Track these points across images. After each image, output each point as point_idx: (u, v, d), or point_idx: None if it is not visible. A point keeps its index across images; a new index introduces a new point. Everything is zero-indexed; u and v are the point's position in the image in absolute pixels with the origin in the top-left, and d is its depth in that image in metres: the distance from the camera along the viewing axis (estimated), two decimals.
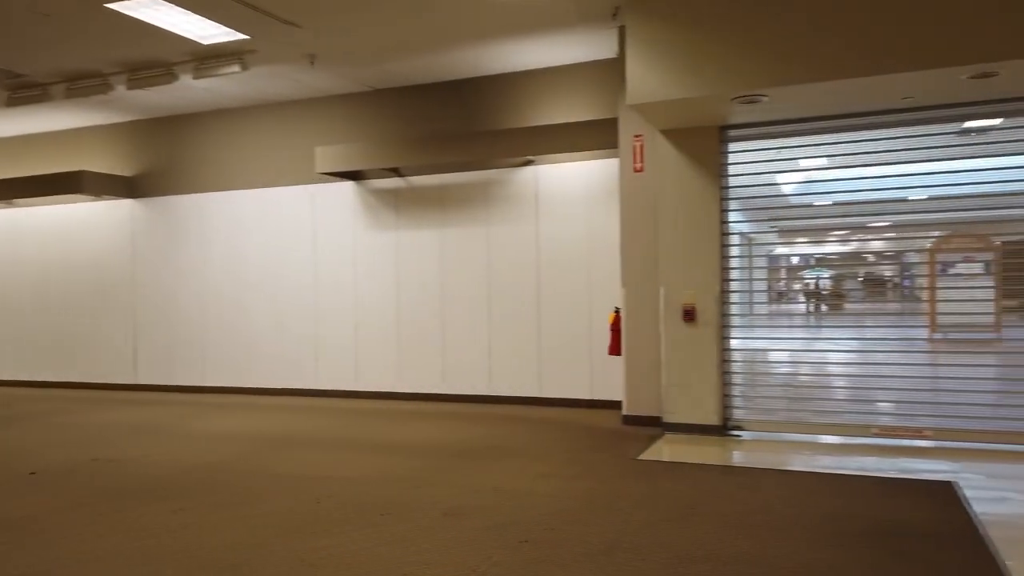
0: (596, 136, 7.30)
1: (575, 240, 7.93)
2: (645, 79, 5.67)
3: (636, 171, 6.83)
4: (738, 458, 5.91)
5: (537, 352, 8.12)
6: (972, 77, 5.03)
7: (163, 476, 5.37)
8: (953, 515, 4.17)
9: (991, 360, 9.69)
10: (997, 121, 6.06)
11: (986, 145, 6.13)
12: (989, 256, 12.42)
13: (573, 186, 7.94)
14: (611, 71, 7.29)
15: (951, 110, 5.84)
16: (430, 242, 8.64)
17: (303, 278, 9.26)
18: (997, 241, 12.03)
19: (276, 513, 4.40)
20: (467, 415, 7.67)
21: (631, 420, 6.92)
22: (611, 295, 7.35)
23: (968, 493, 4.57)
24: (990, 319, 11.47)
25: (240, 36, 6.88)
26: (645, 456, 5.77)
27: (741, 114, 6.02)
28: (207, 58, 7.52)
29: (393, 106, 8.77)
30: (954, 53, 4.88)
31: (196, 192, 9.83)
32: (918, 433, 6.02)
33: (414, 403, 8.49)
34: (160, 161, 10.05)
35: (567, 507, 4.42)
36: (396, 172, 8.72)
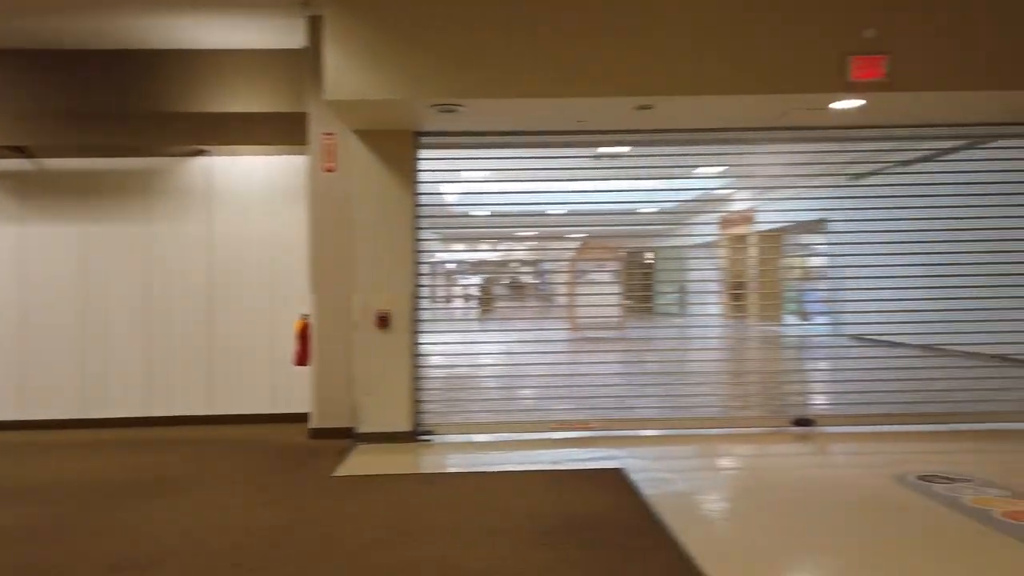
0: (281, 130, 6.78)
1: (256, 241, 7.27)
2: (345, 76, 5.39)
3: (327, 171, 6.49)
4: (433, 465, 5.93)
5: (208, 365, 7.27)
6: (637, 108, 5.71)
7: None
8: (630, 500, 4.63)
9: (620, 356, 11.19)
10: (626, 149, 6.99)
11: (626, 169, 7.11)
12: (616, 265, 14.46)
13: (255, 182, 7.27)
14: (300, 62, 6.80)
15: (621, 135, 6.56)
16: (69, 239, 7.23)
17: None
18: (622, 252, 14.06)
19: None
20: (123, 441, 6.56)
21: (320, 433, 6.54)
22: (298, 301, 6.87)
23: (635, 477, 5.13)
24: (617, 320, 13.31)
25: None
26: (341, 472, 5.48)
27: (436, 121, 6.05)
28: None
29: (23, 71, 7.12)
30: (616, 86, 5.45)
31: None
32: (586, 425, 6.66)
33: (49, 432, 7.01)
34: None
35: (267, 542, 3.96)
36: (21, 152, 7.14)
